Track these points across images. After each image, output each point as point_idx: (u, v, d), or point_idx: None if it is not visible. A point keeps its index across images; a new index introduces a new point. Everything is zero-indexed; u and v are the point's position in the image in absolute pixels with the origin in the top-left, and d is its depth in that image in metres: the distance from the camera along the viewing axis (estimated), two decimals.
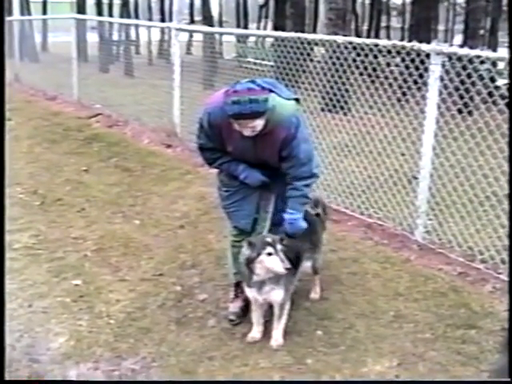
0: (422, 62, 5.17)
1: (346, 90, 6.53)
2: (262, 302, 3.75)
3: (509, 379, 2.45)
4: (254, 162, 3.77)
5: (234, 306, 4.06)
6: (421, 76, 5.33)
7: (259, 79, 3.55)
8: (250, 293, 3.73)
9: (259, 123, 3.41)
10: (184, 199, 6.33)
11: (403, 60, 5.47)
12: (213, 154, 3.82)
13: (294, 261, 3.77)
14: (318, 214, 4.35)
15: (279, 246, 3.54)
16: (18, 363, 3.50)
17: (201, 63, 10.44)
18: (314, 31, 29.48)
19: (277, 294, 3.69)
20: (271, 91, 3.48)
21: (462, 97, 5.22)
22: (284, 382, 3.46)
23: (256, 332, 3.82)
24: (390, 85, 6.23)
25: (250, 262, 3.58)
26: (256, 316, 3.83)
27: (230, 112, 3.36)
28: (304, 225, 3.81)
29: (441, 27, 33.42)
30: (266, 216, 3.87)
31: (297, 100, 3.74)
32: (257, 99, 3.32)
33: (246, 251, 3.61)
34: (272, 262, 3.52)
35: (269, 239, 3.57)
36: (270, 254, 3.52)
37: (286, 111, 3.57)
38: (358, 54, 6.11)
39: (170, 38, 11.12)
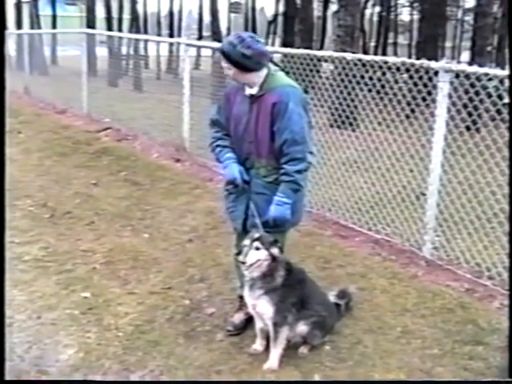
0: (430, 79, 5.21)
1: (355, 107, 6.59)
2: (252, 309, 3.73)
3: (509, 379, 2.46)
4: (248, 136, 3.74)
5: (235, 318, 4.10)
6: (429, 93, 5.36)
7: None
8: (243, 292, 3.78)
9: (227, 67, 3.64)
10: (193, 213, 6.36)
11: (411, 77, 5.50)
12: (216, 132, 3.93)
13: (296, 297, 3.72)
14: (337, 305, 4.17)
15: (255, 243, 3.55)
16: (26, 374, 3.52)
17: (210, 78, 10.49)
18: (321, 47, 29.65)
19: (264, 305, 3.63)
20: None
21: (470, 114, 5.26)
22: (283, 382, 3.49)
23: (258, 344, 3.84)
24: (399, 101, 6.26)
25: (237, 254, 3.67)
26: (257, 327, 3.83)
27: None
28: (289, 214, 3.70)
29: (448, 44, 33.50)
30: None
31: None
32: (227, 41, 3.64)
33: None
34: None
35: (254, 234, 3.60)
36: (244, 247, 3.58)
37: (283, 81, 3.73)
38: (367, 71, 6.15)
39: (179, 53, 11.18)
